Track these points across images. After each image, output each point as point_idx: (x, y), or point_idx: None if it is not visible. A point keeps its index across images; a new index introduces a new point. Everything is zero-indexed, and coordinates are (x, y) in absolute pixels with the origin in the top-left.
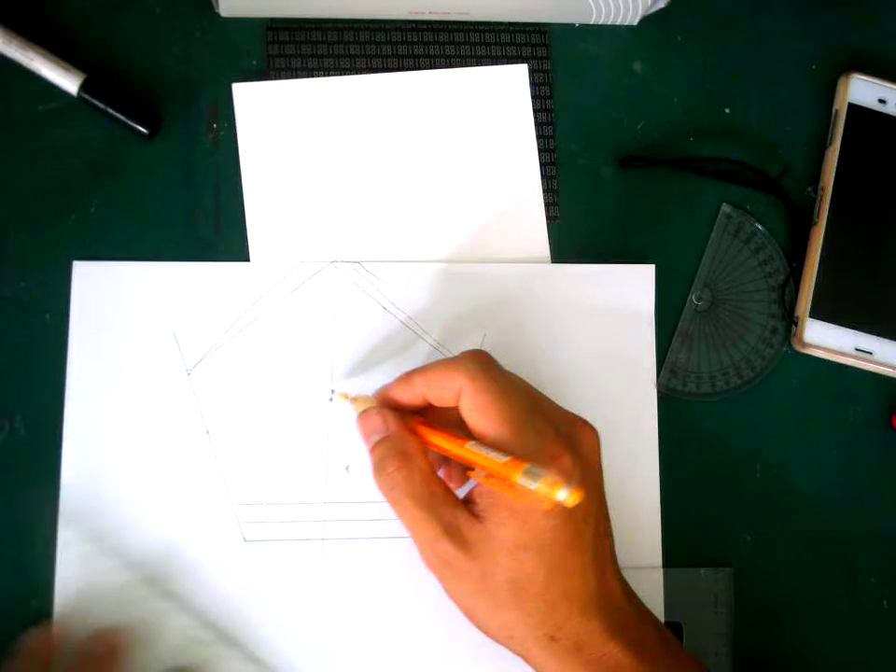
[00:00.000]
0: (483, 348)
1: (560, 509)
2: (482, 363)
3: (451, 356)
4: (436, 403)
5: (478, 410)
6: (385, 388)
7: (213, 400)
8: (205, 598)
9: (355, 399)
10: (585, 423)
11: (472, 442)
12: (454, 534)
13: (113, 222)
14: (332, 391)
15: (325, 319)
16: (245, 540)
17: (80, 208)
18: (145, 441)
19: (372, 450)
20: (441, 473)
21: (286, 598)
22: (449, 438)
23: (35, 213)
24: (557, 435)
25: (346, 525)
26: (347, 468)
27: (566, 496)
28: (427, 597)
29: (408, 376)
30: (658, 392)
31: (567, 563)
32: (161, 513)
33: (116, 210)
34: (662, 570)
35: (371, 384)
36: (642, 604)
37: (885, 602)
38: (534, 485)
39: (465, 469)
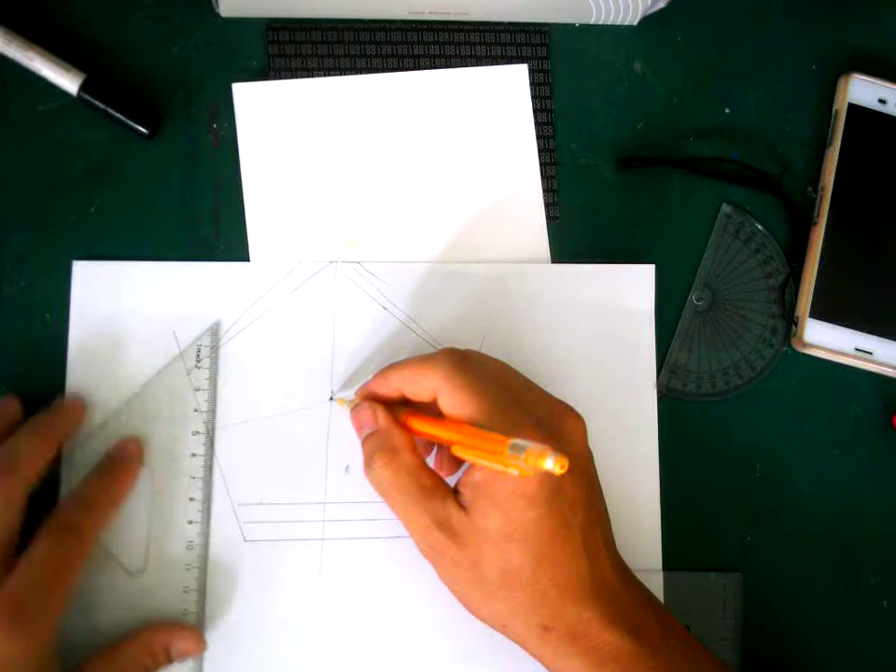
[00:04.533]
0: (483, 348)
1: (543, 499)
2: (455, 361)
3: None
4: (413, 399)
5: (455, 408)
6: (366, 384)
7: (213, 400)
8: (205, 598)
9: (352, 402)
10: (569, 409)
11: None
12: (443, 525)
13: (113, 222)
14: (332, 396)
15: (325, 319)
16: (244, 540)
17: (80, 208)
18: (144, 441)
19: (362, 444)
20: (431, 460)
21: (286, 598)
22: (437, 424)
23: (34, 213)
24: (537, 426)
25: (346, 525)
26: (347, 468)
27: (552, 464)
28: (428, 597)
29: (385, 372)
30: (658, 392)
31: (556, 552)
32: None
33: (116, 210)
34: (662, 574)
35: None
36: (644, 590)
37: (885, 602)
38: (521, 456)
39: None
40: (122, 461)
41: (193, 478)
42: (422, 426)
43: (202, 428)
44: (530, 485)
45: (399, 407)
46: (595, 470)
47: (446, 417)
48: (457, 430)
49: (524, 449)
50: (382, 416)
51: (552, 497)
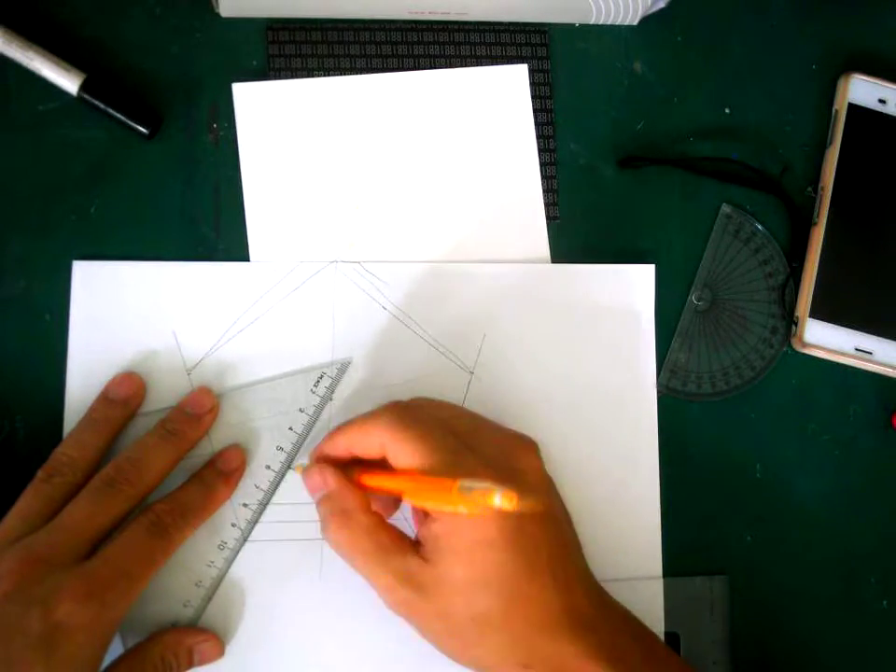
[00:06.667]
0: (483, 348)
1: (503, 542)
2: (398, 414)
3: (381, 407)
4: (364, 457)
5: (404, 460)
6: (318, 446)
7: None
8: (212, 596)
9: (305, 468)
10: (521, 443)
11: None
12: (407, 580)
13: (113, 222)
14: (291, 466)
15: (325, 319)
16: (245, 540)
17: (80, 208)
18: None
19: (317, 508)
20: (405, 511)
21: (285, 598)
22: (387, 476)
23: (35, 213)
24: (488, 467)
25: None
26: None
27: (500, 500)
28: None
29: (332, 435)
30: (658, 392)
31: (525, 592)
32: None
33: (116, 210)
34: (662, 580)
35: (370, 384)
36: (621, 612)
37: (885, 602)
38: (469, 496)
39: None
40: (224, 473)
41: None
42: (373, 481)
43: None
44: (489, 530)
45: (352, 466)
46: (558, 497)
47: (396, 470)
48: (407, 479)
49: (471, 489)
50: (331, 478)
51: (513, 539)
